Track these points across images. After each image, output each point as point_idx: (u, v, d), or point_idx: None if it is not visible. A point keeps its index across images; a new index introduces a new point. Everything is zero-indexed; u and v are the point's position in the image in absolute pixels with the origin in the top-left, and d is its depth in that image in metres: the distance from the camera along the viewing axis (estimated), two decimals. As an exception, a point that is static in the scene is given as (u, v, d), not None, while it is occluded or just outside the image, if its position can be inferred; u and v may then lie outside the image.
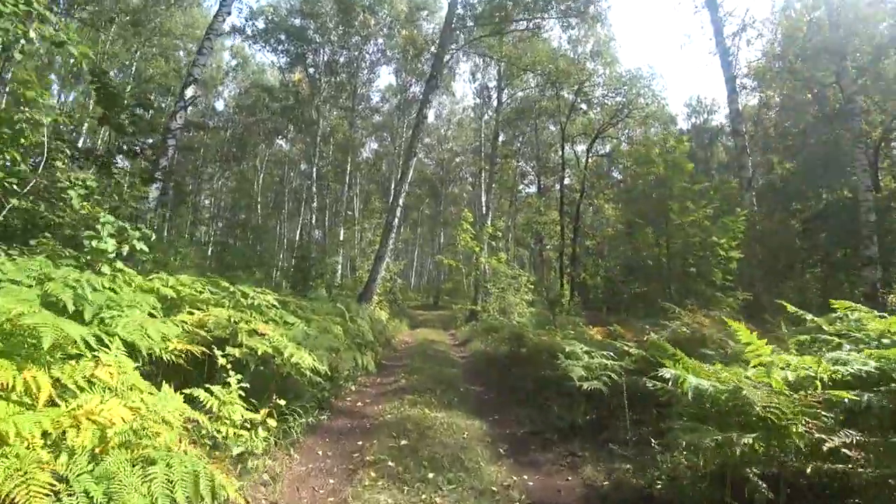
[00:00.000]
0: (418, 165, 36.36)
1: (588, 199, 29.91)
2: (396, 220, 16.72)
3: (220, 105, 34.90)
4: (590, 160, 28.89)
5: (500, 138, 30.70)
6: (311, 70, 26.73)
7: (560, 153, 28.22)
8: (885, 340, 3.82)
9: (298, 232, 31.37)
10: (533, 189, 37.62)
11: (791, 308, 4.47)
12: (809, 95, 19.82)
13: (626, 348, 6.00)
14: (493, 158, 24.66)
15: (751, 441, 2.85)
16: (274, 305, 5.68)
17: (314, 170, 26.44)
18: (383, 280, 19.22)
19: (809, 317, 4.67)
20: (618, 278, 25.79)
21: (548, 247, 33.34)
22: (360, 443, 4.92)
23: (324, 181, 30.71)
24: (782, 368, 3.25)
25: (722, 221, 7.49)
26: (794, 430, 2.85)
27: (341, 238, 25.79)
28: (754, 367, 3.50)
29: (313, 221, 27.56)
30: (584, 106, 26.90)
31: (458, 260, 21.67)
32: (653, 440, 4.64)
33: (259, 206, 37.39)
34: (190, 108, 12.87)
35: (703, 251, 7.59)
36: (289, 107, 26.62)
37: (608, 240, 29.06)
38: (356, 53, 26.82)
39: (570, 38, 24.15)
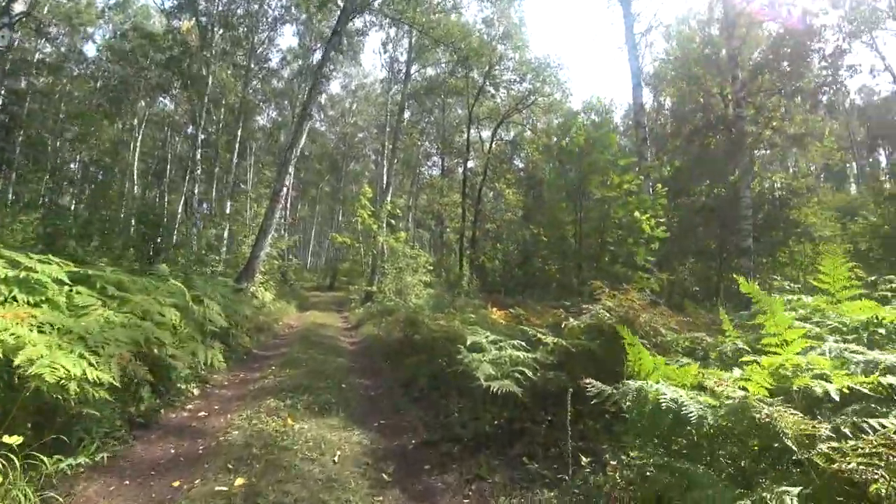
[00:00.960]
0: (319, 139, 33.72)
1: (490, 183, 29.45)
2: (285, 189, 14.63)
3: (90, 50, 29.60)
4: (494, 145, 28.35)
5: (407, 115, 29.14)
6: (203, 19, 23.11)
7: (466, 135, 27.33)
8: (881, 331, 2.91)
9: (182, 204, 27.56)
10: (436, 171, 36.59)
11: (746, 287, 3.51)
12: (701, 100, 20.57)
13: (539, 336, 4.85)
14: (398, 134, 23.02)
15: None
16: (60, 280, 3.78)
17: (199, 133, 23.07)
18: (269, 257, 17.00)
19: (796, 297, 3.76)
20: (515, 261, 25.69)
21: (448, 229, 32.55)
22: (175, 484, 3.24)
23: (212, 148, 27.16)
24: (819, 376, 2.13)
25: (642, 197, 6.67)
26: (873, 488, 1.69)
27: (227, 211, 22.80)
28: (750, 366, 2.39)
29: (196, 192, 24.20)
30: (491, 89, 26.16)
31: (356, 238, 19.90)
32: (582, 456, 3.50)
33: (136, 174, 32.64)
34: (18, 28, 9.83)
35: (622, 229, 6.75)
36: (174, 58, 22.83)
37: (507, 224, 28.87)
38: (256, 6, 23.62)
39: (484, 19, 23.02)
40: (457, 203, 28.51)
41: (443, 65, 26.26)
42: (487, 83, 24.84)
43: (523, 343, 4.87)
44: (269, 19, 24.37)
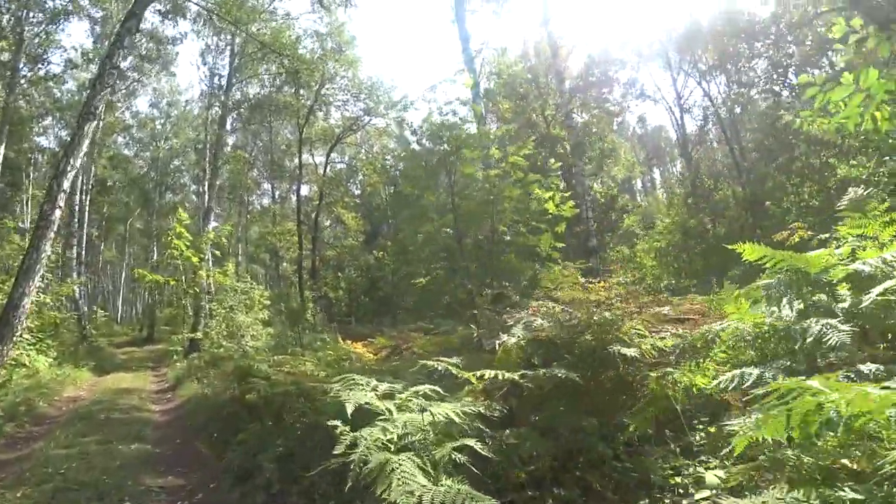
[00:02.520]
0: (124, 164, 27.68)
1: (329, 208, 26.96)
2: (58, 211, 10.44)
3: None
4: (328, 168, 26.09)
5: (231, 140, 25.23)
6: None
7: (297, 159, 24.60)
8: None
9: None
10: (267, 200, 32.76)
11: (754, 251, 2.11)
12: (533, 117, 21.26)
13: (457, 370, 2.89)
14: (218, 152, 19.37)
15: None
16: None
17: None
18: (43, 307, 12.36)
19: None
20: (361, 288, 23.54)
21: (285, 261, 29.04)
22: None
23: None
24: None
25: (532, 176, 5.23)
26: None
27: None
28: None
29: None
30: (323, 110, 24.02)
31: (172, 276, 15.82)
32: None
33: None
34: None
35: (517, 214, 5.20)
36: None
37: (349, 250, 26.68)
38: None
39: (316, 32, 20.76)
40: (292, 232, 25.48)
41: (267, 83, 23.38)
42: (319, 102, 22.65)
43: (433, 389, 2.86)
44: (48, 11, 18.76)
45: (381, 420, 2.20)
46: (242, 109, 23.82)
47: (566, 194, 5.81)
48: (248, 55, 20.51)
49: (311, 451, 3.60)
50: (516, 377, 2.47)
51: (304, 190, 27.02)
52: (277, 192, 28.56)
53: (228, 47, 20.78)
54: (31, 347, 11.33)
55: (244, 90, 23.59)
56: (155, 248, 26.46)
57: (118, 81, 20.67)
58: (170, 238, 14.95)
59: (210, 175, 19.11)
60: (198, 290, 15.02)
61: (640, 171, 26.99)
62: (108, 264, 33.83)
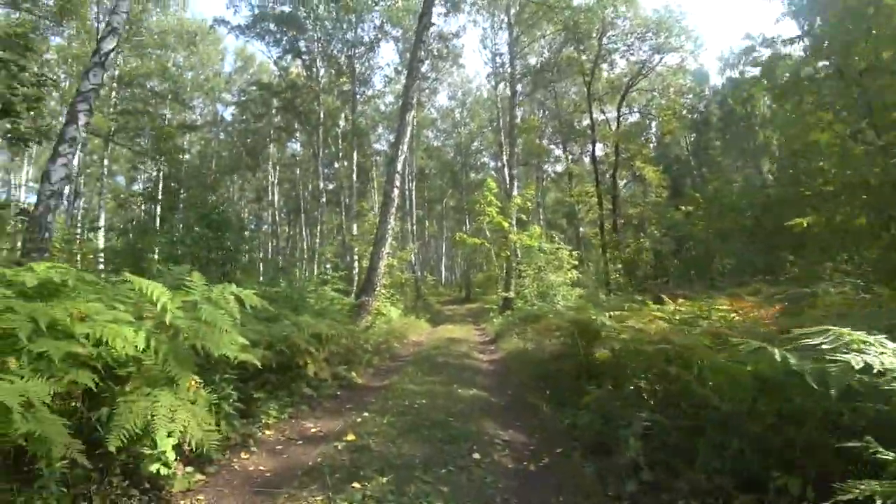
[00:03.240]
0: (436, 153, 31.88)
1: (625, 164, 24.68)
2: (396, 190, 12.17)
3: (228, 115, 31.31)
4: (620, 123, 23.73)
5: (519, 112, 25.80)
6: (306, 58, 22.61)
7: (587, 115, 23.24)
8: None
9: (319, 235, 27.28)
10: (560, 167, 32.52)
11: None
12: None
13: None
14: (513, 127, 19.74)
15: None
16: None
17: (319, 165, 22.33)
18: (392, 269, 14.79)
19: None
20: (666, 249, 20.72)
21: (582, 226, 28.14)
22: None
23: (335, 177, 26.60)
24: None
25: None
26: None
27: (354, 233, 21.45)
28: None
29: (321, 218, 23.57)
30: (606, 62, 21.94)
31: (485, 239, 16.95)
32: None
33: (276, 212, 33.67)
34: (108, 65, 8.53)
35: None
36: (289, 100, 22.68)
37: (652, 206, 23.89)
38: (351, 34, 22.54)
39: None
40: (590, 193, 24.38)
41: (546, 50, 22.78)
42: (602, 53, 20.78)
43: None
44: (367, 42, 23.03)
45: None
46: (527, 79, 24.05)
47: None
48: (523, 22, 20.38)
49: (690, 437, 2.52)
50: None
51: (598, 150, 25.64)
52: (571, 157, 27.95)
53: (504, 25, 21.12)
54: (387, 301, 13.70)
55: (525, 62, 23.71)
56: (467, 221, 29.54)
57: (422, 82, 23.92)
58: (481, 206, 16.00)
59: (508, 146, 19.77)
60: (508, 254, 15.65)
61: None
62: (431, 238, 39.92)
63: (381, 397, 4.86)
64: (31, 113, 7.03)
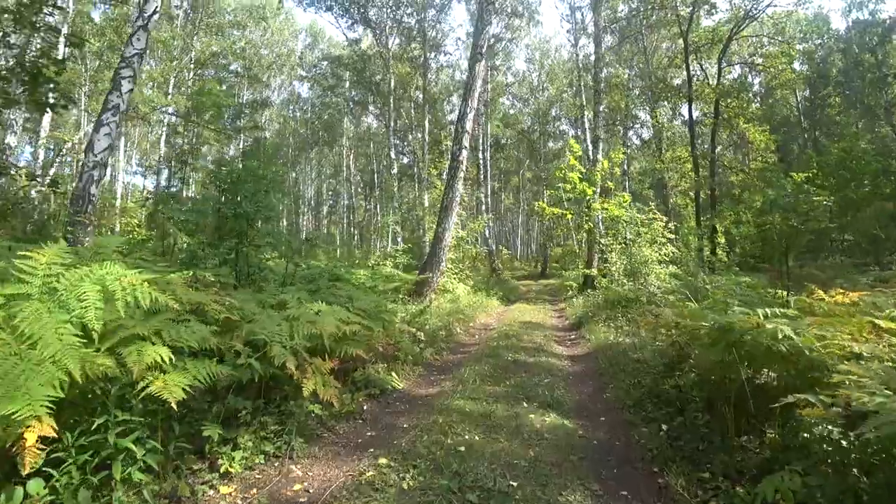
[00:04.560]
0: (512, 121, 29.48)
1: (726, 124, 20.89)
2: (464, 151, 10.50)
3: (304, 91, 31.02)
4: (721, 79, 19.88)
5: (604, 74, 22.60)
6: (375, 27, 21.17)
7: (683, 70, 19.85)
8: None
9: (396, 210, 26.45)
10: (646, 133, 28.79)
11: None
12: None
13: None
14: (598, 85, 16.98)
15: None
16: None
17: (391, 136, 21.09)
18: (460, 241, 13.25)
19: None
20: (770, 221, 17.19)
21: (673, 195, 24.39)
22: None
23: (408, 147, 25.36)
24: None
25: None
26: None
27: (426, 204, 20.12)
28: None
29: (397, 192, 22.46)
30: (705, 7, 18.28)
31: (566, 208, 14.82)
32: None
33: (352, 186, 33.30)
34: (152, 26, 7.57)
35: None
36: (359, 71, 21.54)
37: (757, 172, 20.14)
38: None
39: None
40: (683, 159, 21.09)
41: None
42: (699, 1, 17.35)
43: None
44: (437, 3, 21.07)
45: None
46: (613, 31, 20.99)
47: None
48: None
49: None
50: None
51: (694, 111, 21.96)
52: (661, 118, 24.45)
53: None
54: (454, 276, 12.22)
55: (611, 13, 20.62)
56: (544, 193, 27.18)
57: (496, 45, 21.62)
58: (562, 171, 13.91)
59: (591, 114, 17.26)
60: (591, 225, 13.50)
61: None
62: (507, 210, 37.80)
63: (415, 424, 3.34)
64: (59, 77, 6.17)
